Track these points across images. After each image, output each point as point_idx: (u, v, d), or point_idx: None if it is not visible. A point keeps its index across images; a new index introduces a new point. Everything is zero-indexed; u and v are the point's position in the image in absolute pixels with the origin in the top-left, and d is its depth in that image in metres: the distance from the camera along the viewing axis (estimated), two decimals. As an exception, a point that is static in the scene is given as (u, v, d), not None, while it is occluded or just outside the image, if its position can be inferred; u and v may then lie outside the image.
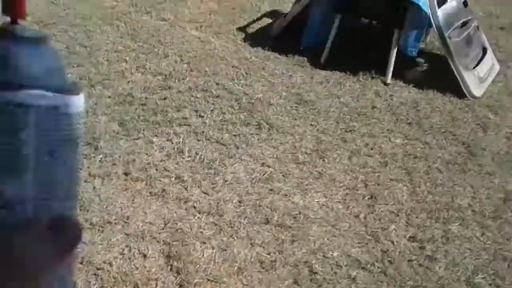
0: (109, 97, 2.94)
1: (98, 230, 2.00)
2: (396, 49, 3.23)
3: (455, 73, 3.14)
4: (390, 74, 3.25)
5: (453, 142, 2.73)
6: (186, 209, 2.16)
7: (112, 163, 2.38)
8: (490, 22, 4.14)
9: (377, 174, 2.47)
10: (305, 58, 3.46)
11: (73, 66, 3.24)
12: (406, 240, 2.12)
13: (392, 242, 2.10)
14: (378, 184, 2.41)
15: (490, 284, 1.95)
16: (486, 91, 3.20)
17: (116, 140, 2.55)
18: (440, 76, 3.27)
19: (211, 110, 2.87)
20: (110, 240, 1.97)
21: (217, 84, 3.14)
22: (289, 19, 3.69)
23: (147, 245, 1.97)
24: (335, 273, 1.94)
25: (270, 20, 4.05)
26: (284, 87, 3.16)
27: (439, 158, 2.60)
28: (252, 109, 2.90)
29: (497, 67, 3.44)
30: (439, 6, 3.15)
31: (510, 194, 2.39)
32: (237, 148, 2.58)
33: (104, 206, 2.12)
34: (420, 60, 3.51)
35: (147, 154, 2.47)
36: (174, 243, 1.98)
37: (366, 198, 2.33)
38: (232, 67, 3.36)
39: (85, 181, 2.25)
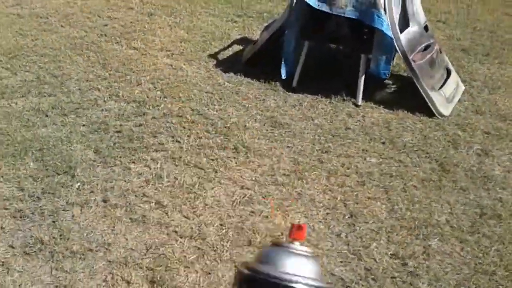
0: (83, 125, 2.90)
1: (80, 258, 1.94)
2: (364, 72, 3.32)
3: (422, 93, 3.25)
4: (360, 96, 3.33)
5: (426, 160, 2.80)
6: (167, 234, 2.13)
7: (90, 190, 2.34)
8: (451, 45, 4.32)
9: (355, 193, 2.50)
10: (277, 82, 3.52)
11: (44, 96, 3.20)
12: (388, 257, 2.14)
13: (375, 260, 2.11)
14: (357, 203, 2.44)
15: (473, 298, 1.97)
16: (454, 110, 3.32)
17: (93, 168, 2.51)
18: (408, 96, 3.37)
19: (188, 135, 2.86)
20: (93, 267, 1.91)
21: (192, 109, 3.15)
22: (259, 46, 3.75)
23: (130, 271, 1.92)
24: (321, 292, 1.94)
25: (240, 47, 4.11)
26: (259, 111, 3.20)
27: (415, 176, 2.66)
28: (228, 133, 2.91)
29: (462, 87, 3.58)
30: (401, 31, 3.27)
31: (485, 208, 2.45)
32: (216, 171, 2.57)
33: (84, 234, 2.07)
34: (388, 81, 3.62)
35: (125, 180, 2.44)
36: (157, 268, 1.94)
37: (346, 217, 2.35)
38: (205, 92, 3.38)
39: (63, 210, 2.19)
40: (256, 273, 0.43)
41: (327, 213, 2.36)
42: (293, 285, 0.43)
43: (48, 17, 4.46)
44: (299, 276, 0.44)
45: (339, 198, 2.46)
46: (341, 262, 2.09)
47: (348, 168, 2.69)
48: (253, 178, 2.55)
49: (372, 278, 2.01)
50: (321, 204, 2.41)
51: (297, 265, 0.45)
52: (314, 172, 2.64)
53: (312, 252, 0.45)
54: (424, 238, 2.24)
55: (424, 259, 2.12)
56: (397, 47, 3.22)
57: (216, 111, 3.16)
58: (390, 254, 2.14)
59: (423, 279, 2.02)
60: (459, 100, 3.44)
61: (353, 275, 2.02)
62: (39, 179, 2.40)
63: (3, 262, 1.94)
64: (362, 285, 1.97)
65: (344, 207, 2.41)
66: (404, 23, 3.41)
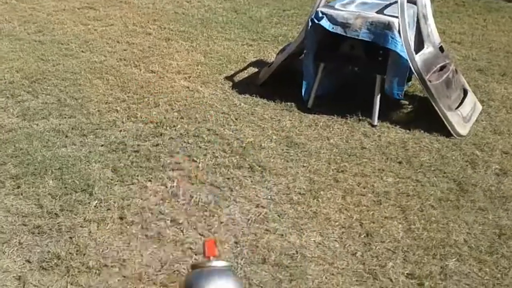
0: (102, 145, 2.95)
1: (95, 273, 1.96)
2: (379, 92, 3.33)
3: (439, 113, 3.24)
4: (376, 116, 3.33)
5: (444, 180, 2.78)
6: (182, 250, 2.14)
7: (107, 208, 2.37)
8: (467, 65, 4.31)
9: (371, 213, 2.48)
10: (293, 103, 3.54)
11: (65, 118, 3.27)
12: (404, 277, 2.10)
13: (391, 280, 2.09)
14: (373, 222, 2.42)
15: (492, 319, 1.93)
16: (471, 130, 3.29)
17: (111, 186, 2.55)
18: (425, 116, 3.36)
19: (204, 155, 2.89)
20: (107, 282, 1.92)
21: (208, 130, 3.18)
22: (274, 68, 3.80)
23: (144, 287, 1.93)
24: (337, 311, 1.91)
25: (256, 69, 4.17)
26: (274, 131, 3.22)
27: (432, 196, 2.63)
28: (244, 153, 2.93)
29: (479, 107, 3.56)
30: (417, 53, 3.29)
31: (504, 229, 2.40)
32: (231, 190, 2.58)
33: (100, 250, 2.09)
34: (405, 102, 3.62)
35: (141, 198, 2.46)
36: (171, 284, 1.95)
37: (362, 236, 2.33)
38: (221, 113, 3.42)
39: (80, 226, 2.23)
40: None
41: (343, 232, 2.34)
42: None
43: (69, 43, 4.59)
44: None
45: (355, 217, 2.44)
46: (357, 281, 2.07)
47: (364, 188, 2.68)
48: (269, 197, 2.55)
49: (389, 297, 1.98)
50: (337, 223, 2.40)
51: (216, 283, 0.46)
52: (330, 191, 2.63)
53: (228, 264, 0.45)
54: (441, 258, 2.20)
55: (441, 279, 2.09)
56: (412, 68, 3.24)
57: (232, 131, 3.19)
58: (407, 273, 2.11)
59: (441, 299, 1.98)
60: (476, 120, 3.41)
61: (369, 294, 1.99)
62: (58, 196, 2.45)
63: (19, 276, 1.97)
64: (379, 304, 1.95)
65: (360, 226, 2.39)
66: (419, 44, 3.43)
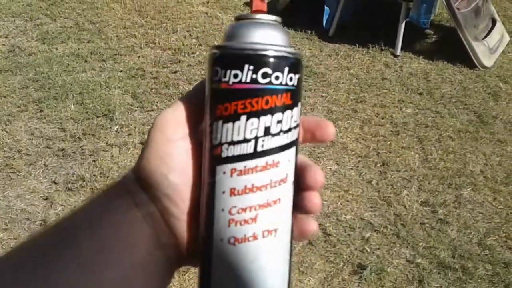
0: (121, 71, 2.96)
1: (118, 194, 2.04)
2: (404, 21, 3.22)
3: (465, 43, 3.14)
4: (399, 46, 3.25)
5: (464, 111, 2.75)
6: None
7: (128, 133, 2.42)
8: (498, -6, 4.12)
9: (388, 143, 2.49)
10: (313, 31, 3.46)
11: (83, 42, 3.26)
12: (419, 204, 2.14)
13: (405, 207, 2.13)
14: (390, 152, 2.43)
15: (502, 246, 1.97)
16: (496, 62, 3.20)
17: (131, 112, 2.58)
18: (449, 47, 3.27)
19: (222, 82, 2.88)
20: (130, 203, 2.01)
21: (227, 57, 3.15)
22: (296, -6, 3.68)
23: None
24: (349, 235, 1.98)
25: (277, -5, 4.04)
26: (294, 59, 3.17)
27: (451, 127, 2.62)
28: (263, 81, 2.91)
29: (507, 38, 3.44)
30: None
31: (521, 160, 2.40)
32: (250, 118, 2.60)
33: (123, 173, 2.16)
34: (429, 31, 3.50)
35: (161, 124, 2.50)
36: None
37: (378, 165, 2.35)
38: (241, 41, 3.36)
39: (103, 150, 2.29)
40: (223, 49, 0.39)
41: (359, 161, 2.37)
42: (263, 52, 0.38)
43: (86, -36, 4.47)
44: (268, 44, 0.39)
45: (371, 147, 2.46)
46: (371, 207, 2.12)
47: (382, 118, 2.67)
48: (286, 126, 2.56)
49: (401, 224, 2.04)
50: (353, 152, 2.42)
51: (265, 33, 0.40)
52: (348, 121, 2.63)
53: (279, 19, 0.41)
54: (456, 187, 2.23)
55: (454, 207, 2.12)
56: (440, -5, 3.11)
57: (251, 59, 3.15)
58: (421, 201, 2.15)
59: (452, 226, 2.03)
60: (503, 52, 3.31)
61: (382, 220, 2.05)
62: (80, 121, 2.50)
63: (47, 196, 2.06)
64: (391, 230, 2.00)
65: (377, 155, 2.41)
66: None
